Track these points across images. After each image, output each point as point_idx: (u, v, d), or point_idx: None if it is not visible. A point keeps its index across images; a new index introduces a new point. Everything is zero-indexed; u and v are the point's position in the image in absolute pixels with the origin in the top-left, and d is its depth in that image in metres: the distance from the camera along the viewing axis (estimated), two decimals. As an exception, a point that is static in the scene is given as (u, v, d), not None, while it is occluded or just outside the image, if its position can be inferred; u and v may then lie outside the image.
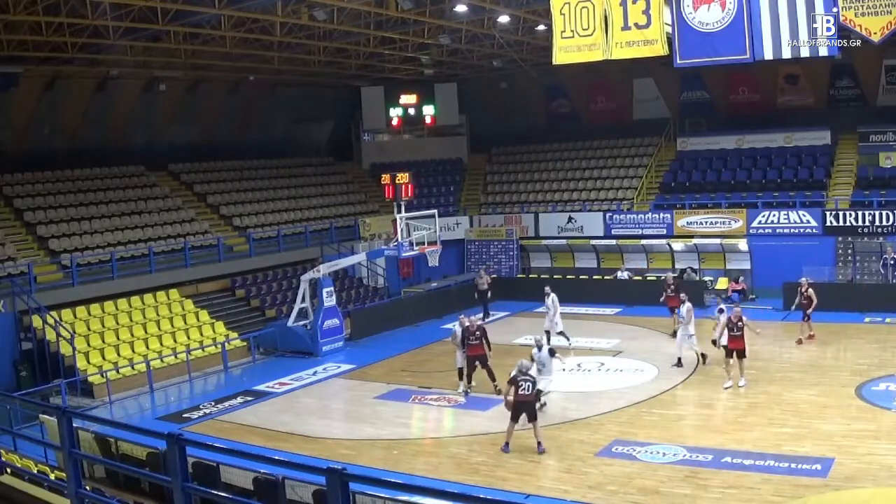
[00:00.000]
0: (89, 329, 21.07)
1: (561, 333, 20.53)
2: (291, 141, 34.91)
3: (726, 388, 16.66)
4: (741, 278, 26.68)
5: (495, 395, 16.71)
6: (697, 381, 17.70)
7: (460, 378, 17.76)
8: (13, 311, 20.36)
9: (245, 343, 22.76)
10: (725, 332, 16.82)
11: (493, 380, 17.24)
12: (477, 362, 17.37)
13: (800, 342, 20.38)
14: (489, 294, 25.69)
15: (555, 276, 29.16)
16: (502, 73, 32.85)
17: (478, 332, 17.36)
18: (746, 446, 13.31)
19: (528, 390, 13.69)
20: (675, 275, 25.07)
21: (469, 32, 24.80)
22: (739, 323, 16.61)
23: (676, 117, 32.62)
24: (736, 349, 16.62)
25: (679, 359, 18.63)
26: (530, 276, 30.17)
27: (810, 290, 20.37)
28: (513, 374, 13.92)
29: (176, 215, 27.06)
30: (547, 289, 21.45)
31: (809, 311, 20.31)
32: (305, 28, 22.44)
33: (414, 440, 15.67)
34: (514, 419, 13.89)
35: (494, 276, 28.39)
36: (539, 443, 13.79)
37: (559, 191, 32.80)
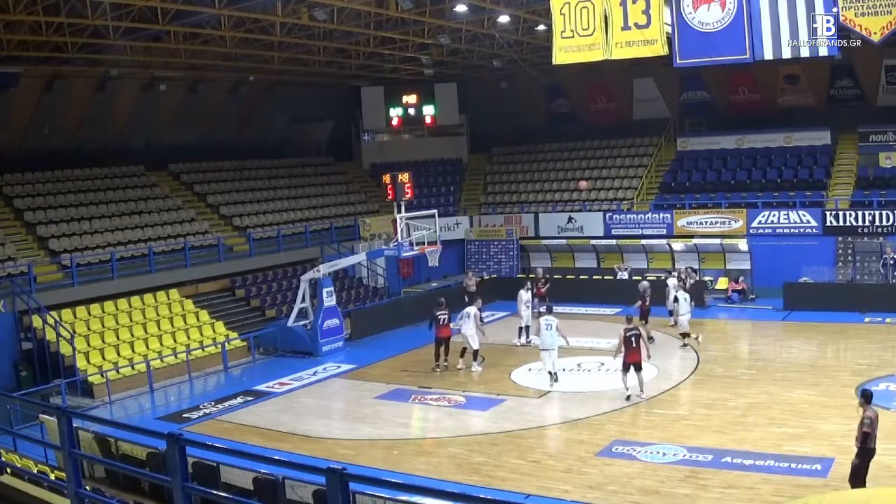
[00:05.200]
0: (89, 329, 21.07)
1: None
2: (291, 141, 34.91)
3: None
4: (741, 278, 26.69)
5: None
6: (697, 381, 17.71)
7: (474, 358, 19.49)
8: (13, 311, 20.35)
9: (245, 343, 22.75)
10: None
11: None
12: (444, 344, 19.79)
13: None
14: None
15: (555, 276, 29.17)
16: (502, 73, 32.84)
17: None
18: (746, 446, 13.31)
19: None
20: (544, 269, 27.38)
21: (469, 32, 24.79)
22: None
23: (676, 117, 32.61)
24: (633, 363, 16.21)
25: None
26: (530, 275, 30.11)
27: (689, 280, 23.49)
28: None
29: (176, 215, 27.06)
30: (528, 284, 22.87)
31: None
32: (305, 28, 22.43)
33: (414, 440, 15.67)
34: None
35: (487, 276, 28.36)
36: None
37: (559, 191, 32.80)
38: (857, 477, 10.45)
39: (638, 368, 16.25)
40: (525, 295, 22.28)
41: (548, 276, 26.32)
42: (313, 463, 5.63)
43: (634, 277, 27.89)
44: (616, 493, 11.91)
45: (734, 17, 12.66)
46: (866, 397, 10.68)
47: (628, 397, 16.26)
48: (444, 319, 19.78)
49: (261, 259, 26.83)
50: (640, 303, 21.11)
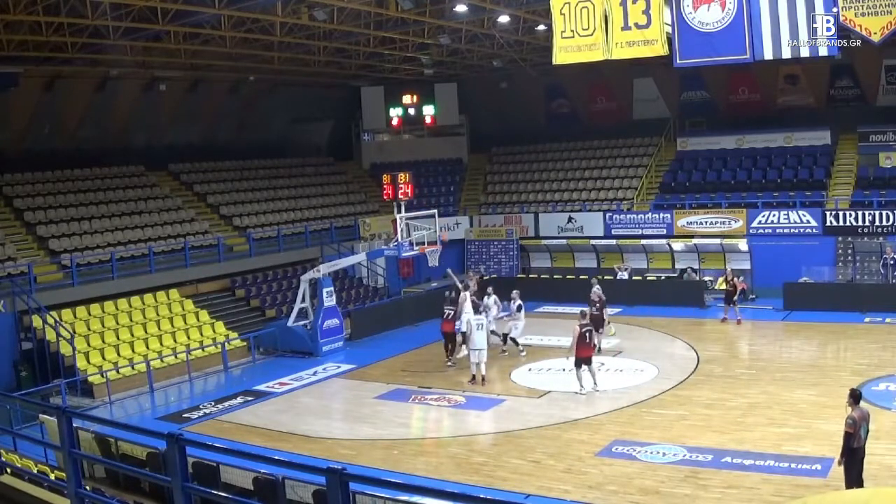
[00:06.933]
0: (89, 329, 21.07)
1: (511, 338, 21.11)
2: (291, 141, 34.91)
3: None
4: (741, 278, 26.62)
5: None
6: (697, 381, 17.70)
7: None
8: (13, 311, 20.34)
9: (245, 343, 22.75)
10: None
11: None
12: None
13: (724, 320, 23.08)
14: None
15: (555, 276, 29.20)
16: (502, 73, 32.83)
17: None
18: (746, 446, 13.32)
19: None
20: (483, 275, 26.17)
21: (469, 32, 24.79)
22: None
23: (676, 117, 32.61)
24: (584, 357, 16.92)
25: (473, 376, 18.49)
26: (530, 276, 30.17)
27: (735, 279, 23.40)
28: None
29: (176, 215, 27.06)
30: (514, 293, 21.24)
31: (735, 297, 23.13)
32: (305, 28, 22.43)
33: (414, 440, 15.68)
34: None
35: (489, 276, 28.34)
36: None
37: (559, 191, 32.80)
38: (850, 477, 10.44)
39: (588, 363, 16.94)
40: (487, 301, 21.33)
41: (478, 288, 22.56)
42: (313, 463, 5.63)
43: (635, 277, 27.92)
44: (616, 493, 11.92)
45: (734, 17, 12.65)
46: (854, 397, 10.65)
47: (579, 392, 16.81)
48: (448, 315, 19.86)
49: (261, 259, 26.82)
50: (590, 309, 20.18)
